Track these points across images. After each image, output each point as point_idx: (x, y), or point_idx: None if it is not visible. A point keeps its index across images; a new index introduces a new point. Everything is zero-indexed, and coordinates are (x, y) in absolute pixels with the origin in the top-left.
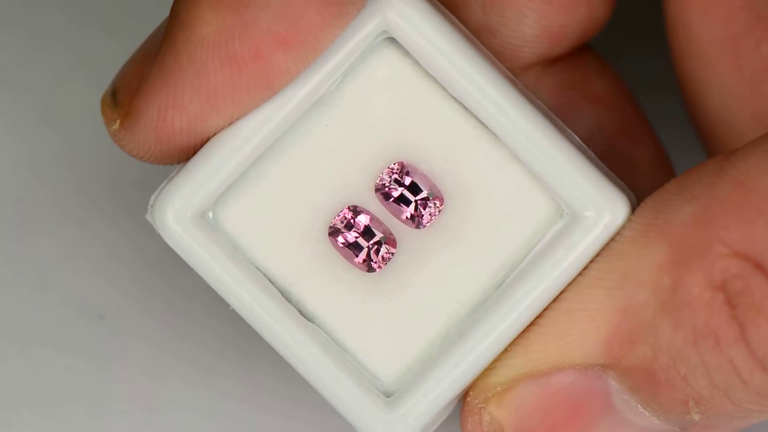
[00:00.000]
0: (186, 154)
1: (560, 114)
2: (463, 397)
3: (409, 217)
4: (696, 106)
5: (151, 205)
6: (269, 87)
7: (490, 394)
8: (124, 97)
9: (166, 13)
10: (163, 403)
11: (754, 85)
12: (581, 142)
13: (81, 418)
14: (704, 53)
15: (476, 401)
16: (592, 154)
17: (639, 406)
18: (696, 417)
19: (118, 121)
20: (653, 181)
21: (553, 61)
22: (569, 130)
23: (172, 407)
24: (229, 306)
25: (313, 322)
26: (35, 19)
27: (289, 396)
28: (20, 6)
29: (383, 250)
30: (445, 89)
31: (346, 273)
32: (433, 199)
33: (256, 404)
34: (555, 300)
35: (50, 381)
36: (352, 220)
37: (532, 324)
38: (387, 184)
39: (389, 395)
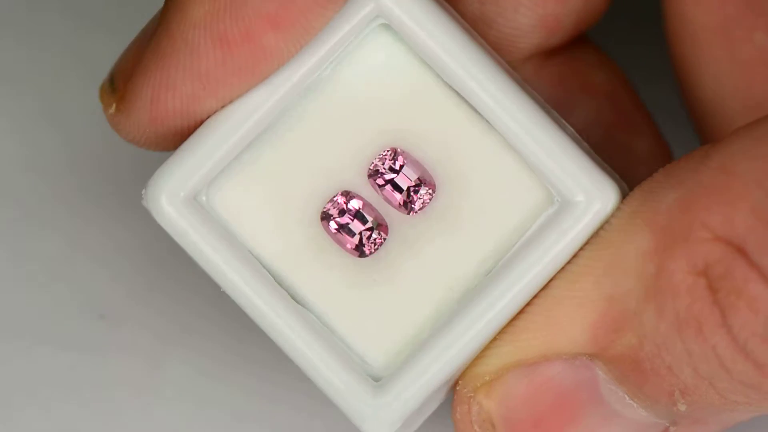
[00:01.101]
0: (181, 138)
1: (558, 105)
2: (453, 387)
3: (401, 202)
4: (690, 95)
5: (145, 188)
6: (261, 69)
7: (479, 384)
8: (120, 81)
9: None
10: (165, 399)
11: (746, 74)
12: (575, 133)
13: (80, 416)
14: (699, 41)
15: (465, 390)
16: (587, 145)
17: (627, 396)
18: (683, 408)
19: (114, 105)
20: (652, 172)
21: (551, 54)
22: (564, 121)
23: (174, 403)
24: (220, 288)
25: (303, 306)
26: (35, 19)
27: (297, 389)
28: (20, 6)
29: (375, 235)
30: (438, 76)
31: (337, 258)
32: (425, 185)
33: (262, 400)
34: (545, 287)
35: (51, 378)
36: (344, 205)
37: (521, 312)
38: (379, 170)
39: (378, 380)
